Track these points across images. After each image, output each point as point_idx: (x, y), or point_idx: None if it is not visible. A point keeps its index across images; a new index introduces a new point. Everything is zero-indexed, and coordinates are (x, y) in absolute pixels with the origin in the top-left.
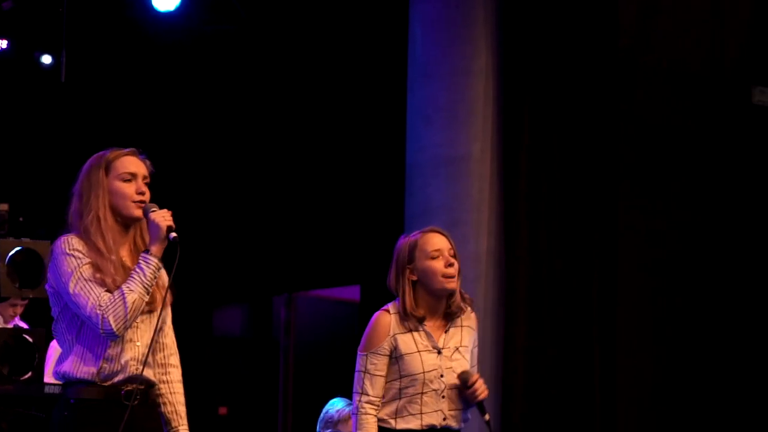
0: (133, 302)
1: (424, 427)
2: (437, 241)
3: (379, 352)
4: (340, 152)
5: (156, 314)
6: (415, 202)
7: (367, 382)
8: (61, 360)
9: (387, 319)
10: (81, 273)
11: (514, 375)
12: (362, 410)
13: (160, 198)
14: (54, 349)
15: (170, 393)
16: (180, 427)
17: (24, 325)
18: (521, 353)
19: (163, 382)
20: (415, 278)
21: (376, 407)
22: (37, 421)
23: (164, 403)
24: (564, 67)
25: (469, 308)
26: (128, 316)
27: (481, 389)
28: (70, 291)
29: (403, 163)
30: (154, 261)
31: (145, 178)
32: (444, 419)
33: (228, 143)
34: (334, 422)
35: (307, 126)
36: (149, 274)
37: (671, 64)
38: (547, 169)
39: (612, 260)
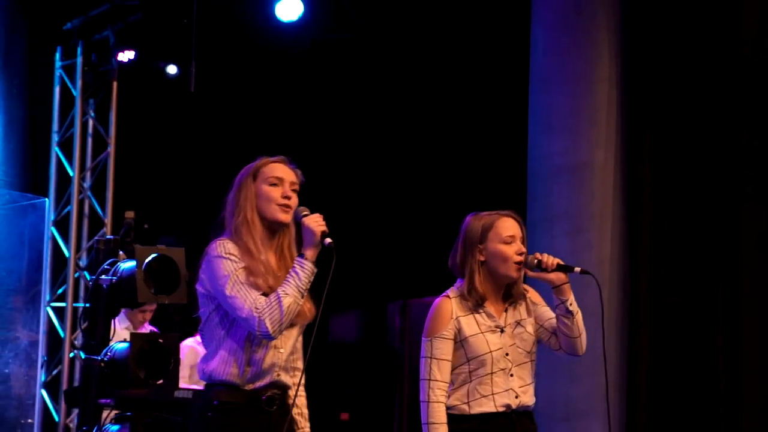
0: (288, 306)
1: (499, 409)
2: (512, 226)
3: (443, 336)
4: (461, 159)
5: (299, 325)
6: (538, 209)
7: (434, 368)
8: (206, 359)
9: (448, 303)
10: (237, 276)
11: (637, 380)
12: (433, 397)
13: None
14: (185, 354)
15: (297, 396)
16: (305, 429)
17: (155, 330)
18: (645, 359)
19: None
20: (483, 259)
21: (445, 392)
22: (172, 425)
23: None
24: (687, 74)
25: (527, 288)
26: (284, 319)
27: (549, 258)
28: (227, 293)
29: (524, 170)
30: (309, 265)
31: (292, 184)
32: (516, 397)
33: (349, 151)
34: None
35: (428, 133)
36: (304, 279)
37: None
38: (669, 177)
39: (736, 267)
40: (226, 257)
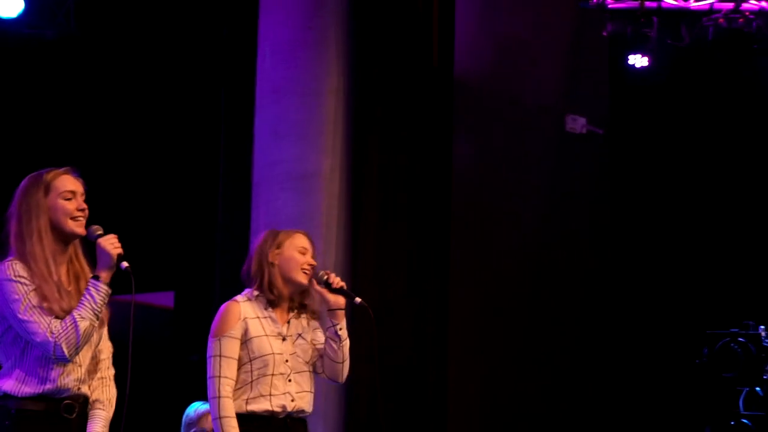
0: (85, 329)
1: (275, 408)
2: (304, 241)
3: (231, 335)
4: (183, 165)
5: (95, 337)
6: (262, 216)
7: (223, 365)
8: (2, 376)
9: (237, 306)
10: (29, 300)
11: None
12: (223, 392)
13: None
14: None
15: (102, 387)
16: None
17: None
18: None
19: (101, 387)
20: (276, 262)
21: (232, 388)
22: None
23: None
24: (406, 89)
25: (315, 311)
26: (80, 343)
27: (336, 278)
28: (20, 317)
29: (248, 178)
30: (104, 288)
31: (82, 195)
32: (293, 401)
33: (68, 152)
34: (195, 422)
35: (148, 139)
36: (100, 301)
37: (503, 89)
38: (393, 186)
39: (444, 272)
40: (16, 280)
